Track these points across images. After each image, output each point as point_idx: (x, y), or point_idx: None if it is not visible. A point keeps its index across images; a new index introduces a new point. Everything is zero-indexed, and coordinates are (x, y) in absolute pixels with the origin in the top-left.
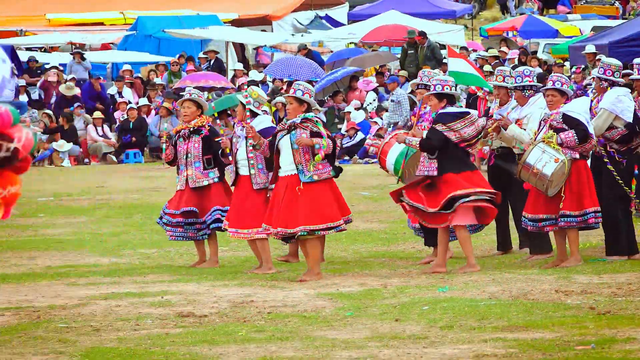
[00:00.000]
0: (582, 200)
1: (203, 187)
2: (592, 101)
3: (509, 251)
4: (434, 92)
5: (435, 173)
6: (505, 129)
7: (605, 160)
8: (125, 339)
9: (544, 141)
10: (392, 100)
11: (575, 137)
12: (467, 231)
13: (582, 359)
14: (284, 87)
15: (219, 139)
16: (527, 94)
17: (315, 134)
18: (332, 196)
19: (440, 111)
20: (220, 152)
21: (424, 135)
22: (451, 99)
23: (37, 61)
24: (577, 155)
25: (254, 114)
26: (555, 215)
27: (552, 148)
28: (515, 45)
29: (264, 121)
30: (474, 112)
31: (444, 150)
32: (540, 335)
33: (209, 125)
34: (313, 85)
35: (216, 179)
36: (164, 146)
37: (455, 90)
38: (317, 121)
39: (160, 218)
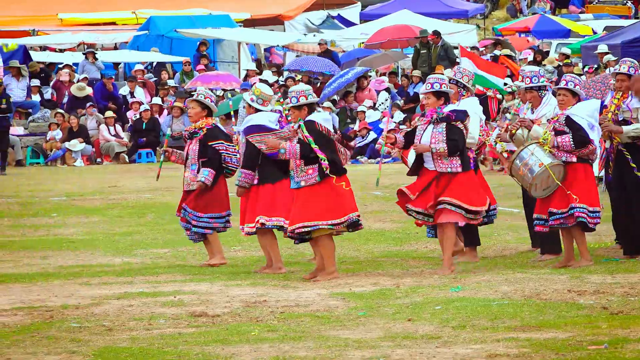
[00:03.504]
0: (570, 197)
1: (192, 190)
2: (617, 98)
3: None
4: (432, 90)
5: (460, 170)
6: (529, 130)
7: (633, 165)
8: (138, 339)
9: (539, 142)
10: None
11: (572, 142)
12: (454, 231)
13: (594, 359)
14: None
15: (216, 142)
16: (542, 93)
17: (299, 141)
18: (323, 198)
19: (454, 108)
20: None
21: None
22: (447, 98)
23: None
24: (575, 159)
25: (258, 112)
26: (546, 215)
27: (543, 151)
28: (509, 46)
29: (254, 119)
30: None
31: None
32: (553, 335)
33: (207, 128)
34: (327, 80)
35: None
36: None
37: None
38: (301, 126)
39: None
